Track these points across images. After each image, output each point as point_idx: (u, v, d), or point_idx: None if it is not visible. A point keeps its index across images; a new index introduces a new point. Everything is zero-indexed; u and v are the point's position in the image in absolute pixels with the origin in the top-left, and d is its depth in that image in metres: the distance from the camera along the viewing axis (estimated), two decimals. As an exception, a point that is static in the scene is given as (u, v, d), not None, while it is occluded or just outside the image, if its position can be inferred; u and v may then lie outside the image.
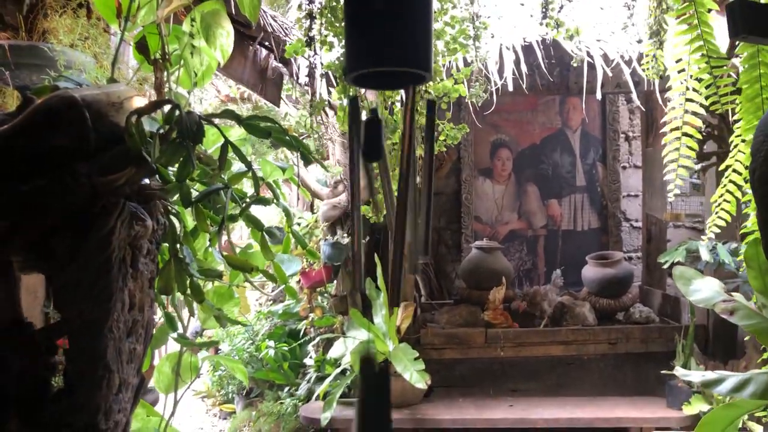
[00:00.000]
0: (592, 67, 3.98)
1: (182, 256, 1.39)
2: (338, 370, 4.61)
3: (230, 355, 5.56)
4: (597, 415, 4.40)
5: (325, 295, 5.03)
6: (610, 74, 3.95)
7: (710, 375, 2.14)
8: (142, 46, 1.52)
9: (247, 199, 1.49)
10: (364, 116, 1.09)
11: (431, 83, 1.86)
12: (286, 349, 5.14)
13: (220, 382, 5.77)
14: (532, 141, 6.01)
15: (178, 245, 1.40)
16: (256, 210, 1.55)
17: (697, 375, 2.24)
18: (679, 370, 2.46)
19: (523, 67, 3.89)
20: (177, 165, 1.28)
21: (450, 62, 1.95)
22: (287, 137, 1.37)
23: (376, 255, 4.63)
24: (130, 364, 1.33)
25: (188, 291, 1.41)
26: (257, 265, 1.49)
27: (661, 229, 5.42)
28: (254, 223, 1.46)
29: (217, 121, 1.32)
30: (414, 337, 4.79)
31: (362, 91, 1.90)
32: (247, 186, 1.58)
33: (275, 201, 1.54)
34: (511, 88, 3.85)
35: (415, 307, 4.93)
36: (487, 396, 4.78)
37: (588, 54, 3.87)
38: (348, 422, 4.52)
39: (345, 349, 4.66)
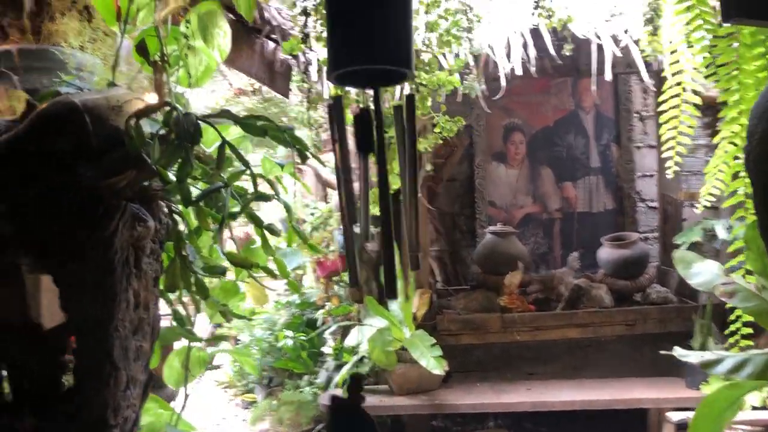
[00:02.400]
0: (602, 48, 3.95)
1: (186, 254, 1.42)
2: (356, 357, 4.66)
3: (250, 345, 5.63)
4: (615, 397, 4.40)
5: (341, 284, 5.06)
6: (620, 54, 3.92)
7: (709, 356, 2.14)
8: (141, 48, 1.55)
9: (248, 196, 1.51)
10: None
11: (425, 75, 1.87)
12: (304, 338, 5.19)
13: (241, 373, 5.85)
14: (546, 123, 5.97)
15: (182, 244, 1.43)
16: (271, 205, 1.58)
17: (695, 356, 2.24)
18: (677, 350, 2.46)
19: (532, 51, 3.87)
20: (176, 165, 1.31)
21: (447, 54, 1.95)
22: (283, 134, 1.39)
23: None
24: (138, 362, 1.37)
25: (193, 288, 1.44)
26: (258, 262, 1.52)
27: (677, 208, 5.38)
28: (254, 220, 1.48)
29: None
30: (430, 323, 4.82)
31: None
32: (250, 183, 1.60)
33: (276, 196, 1.56)
34: (520, 72, 3.84)
35: (431, 294, 4.96)
36: (505, 380, 4.80)
37: (596, 35, 3.84)
38: (367, 409, 4.57)
39: (361, 337, 4.70)
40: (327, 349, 5.07)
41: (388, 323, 4.52)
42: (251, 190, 1.55)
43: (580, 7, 3.57)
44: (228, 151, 1.53)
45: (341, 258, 4.86)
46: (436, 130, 2.28)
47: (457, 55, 2.01)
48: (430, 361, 4.35)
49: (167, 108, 1.32)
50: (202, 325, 7.68)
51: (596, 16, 3.87)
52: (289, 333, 5.27)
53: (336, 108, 1.19)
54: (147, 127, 1.37)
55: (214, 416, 5.88)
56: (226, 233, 1.42)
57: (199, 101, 5.86)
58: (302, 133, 4.59)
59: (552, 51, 3.84)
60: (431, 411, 4.58)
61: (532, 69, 3.74)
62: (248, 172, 1.55)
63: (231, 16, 3.57)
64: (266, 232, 1.52)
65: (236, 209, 1.47)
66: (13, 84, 2.12)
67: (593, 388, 4.56)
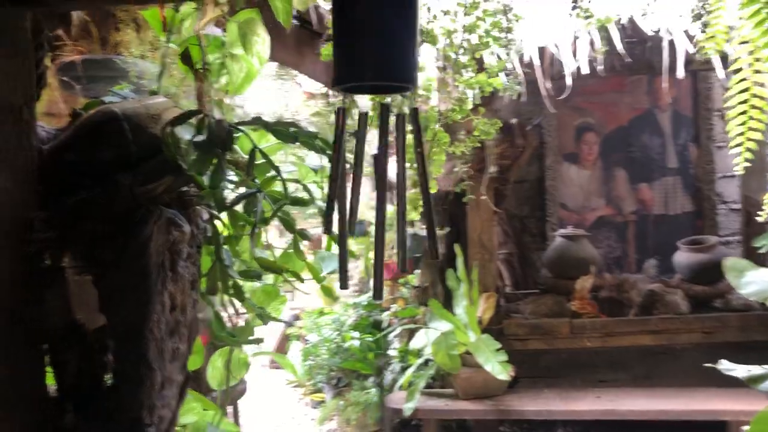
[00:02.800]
0: (674, 44, 3.80)
1: (223, 258, 1.44)
2: (420, 360, 4.64)
3: (319, 346, 5.70)
4: (692, 407, 4.21)
5: (408, 286, 5.06)
6: (693, 51, 3.75)
7: (756, 370, 2.01)
8: (185, 57, 1.59)
9: (282, 201, 1.53)
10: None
11: (462, 78, 1.84)
12: (370, 339, 5.21)
13: (310, 372, 5.93)
14: (620, 123, 5.79)
15: (220, 248, 1.46)
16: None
17: (742, 369, 2.11)
18: (723, 364, 2.32)
19: (600, 49, 3.76)
20: (209, 172, 1.33)
21: (486, 54, 1.91)
22: (314, 140, 1.40)
23: (456, 245, 4.62)
24: (174, 363, 1.40)
25: (231, 291, 1.47)
26: (288, 266, 1.53)
27: (762, 210, 5.10)
28: (286, 225, 1.50)
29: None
30: (497, 327, 4.75)
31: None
32: (290, 187, 1.61)
33: (312, 201, 1.57)
34: (586, 71, 3.73)
35: (497, 298, 4.88)
36: (573, 387, 4.67)
37: (668, 31, 3.69)
38: (431, 412, 4.54)
39: (427, 340, 4.68)
40: (393, 351, 5.07)
41: (452, 327, 4.48)
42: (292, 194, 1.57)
43: (650, 3, 3.44)
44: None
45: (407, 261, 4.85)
46: (475, 133, 2.24)
47: (505, 55, 1.97)
48: (495, 366, 4.29)
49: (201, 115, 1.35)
50: (275, 326, 7.81)
51: (668, 12, 3.72)
52: (356, 334, 5.31)
53: (339, 119, 1.19)
54: (186, 134, 1.40)
55: (283, 415, 5.99)
56: (262, 237, 1.44)
57: (267, 106, 5.98)
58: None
59: (621, 48, 3.71)
60: (496, 416, 4.51)
61: (599, 68, 3.63)
62: (303, 177, 1.59)
63: (296, 22, 3.62)
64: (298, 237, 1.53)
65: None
66: (76, 93, 2.22)
67: (667, 398, 4.37)
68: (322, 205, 1.61)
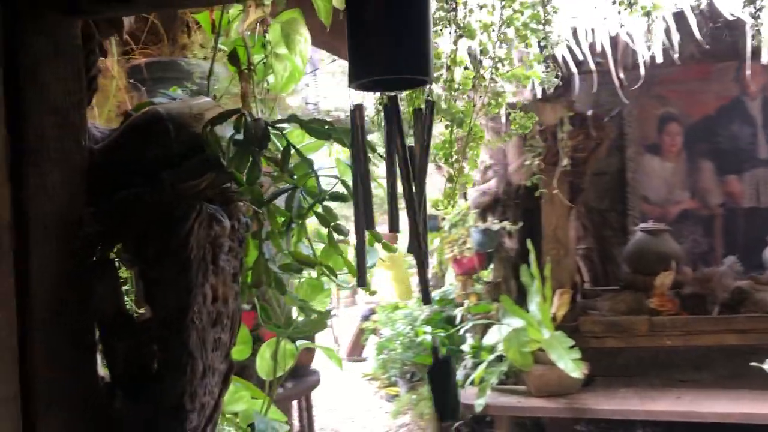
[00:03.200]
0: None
1: (263, 252, 1.49)
2: (492, 356, 4.60)
3: (392, 340, 5.74)
4: (779, 411, 4.00)
5: (481, 281, 5.02)
6: (777, 35, 3.54)
7: None
8: (233, 57, 1.65)
9: (327, 197, 1.56)
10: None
11: (499, 71, 1.81)
12: (443, 334, 5.21)
13: (384, 366, 5.98)
14: (705, 112, 5.54)
15: (262, 242, 1.50)
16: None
17: None
18: None
19: (675, 36, 3.61)
20: (246, 169, 1.38)
21: (523, 46, 1.86)
22: (348, 138, 1.42)
23: (529, 241, 4.55)
24: (216, 352, 1.46)
25: (272, 284, 1.51)
26: (327, 261, 1.55)
27: None
28: (322, 220, 1.52)
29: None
30: (572, 324, 4.65)
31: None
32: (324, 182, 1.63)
33: (351, 197, 1.59)
34: (660, 59, 3.59)
35: (573, 294, 4.78)
36: (652, 387, 4.51)
37: (751, 15, 3.50)
38: (503, 409, 4.50)
39: (500, 336, 4.63)
40: (466, 347, 5.05)
41: (524, 323, 4.42)
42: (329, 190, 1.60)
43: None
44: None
45: (478, 256, 4.81)
46: (513, 126, 2.20)
47: (544, 47, 1.92)
48: (568, 363, 4.20)
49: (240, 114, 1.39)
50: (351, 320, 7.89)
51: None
52: (428, 329, 5.31)
53: (356, 116, 1.20)
54: (228, 133, 1.45)
55: (358, 407, 6.07)
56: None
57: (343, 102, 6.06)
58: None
59: (698, 35, 3.55)
60: (570, 415, 4.42)
61: (675, 55, 3.48)
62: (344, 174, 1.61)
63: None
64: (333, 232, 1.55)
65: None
66: (142, 94, 2.32)
67: (755, 401, 4.16)
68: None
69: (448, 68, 1.70)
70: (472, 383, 4.70)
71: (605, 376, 4.65)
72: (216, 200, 1.47)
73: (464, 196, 5.40)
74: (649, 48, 3.50)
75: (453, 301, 5.29)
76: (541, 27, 1.68)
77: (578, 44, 3.60)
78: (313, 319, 4.82)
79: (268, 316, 1.64)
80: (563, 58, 3.54)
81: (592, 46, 3.67)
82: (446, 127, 1.78)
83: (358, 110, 1.14)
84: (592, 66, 3.60)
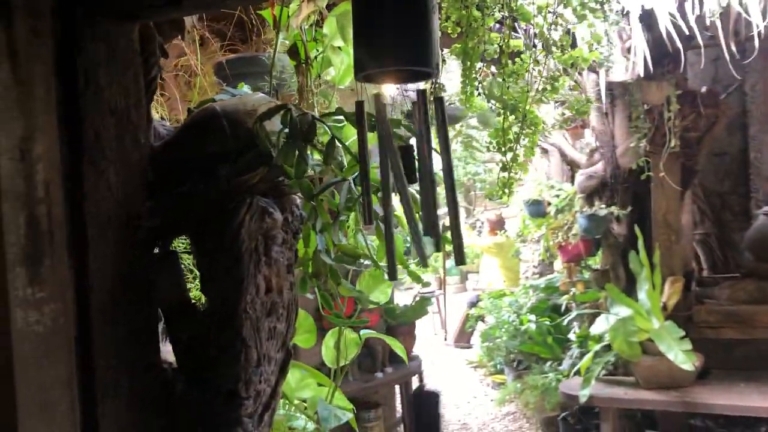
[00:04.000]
0: None
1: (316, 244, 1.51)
2: (599, 346, 4.44)
3: (497, 327, 5.67)
4: None
5: (588, 269, 4.86)
6: None
7: None
8: (293, 52, 1.67)
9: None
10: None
11: (558, 53, 1.69)
12: (548, 323, 5.08)
13: (489, 353, 5.92)
14: (841, 84, 5.04)
15: (315, 234, 1.52)
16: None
17: None
18: None
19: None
20: (293, 162, 1.40)
21: (581, 27, 1.73)
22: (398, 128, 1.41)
23: (636, 226, 4.34)
24: (271, 341, 1.50)
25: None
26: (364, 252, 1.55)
27: None
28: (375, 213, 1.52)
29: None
30: (686, 314, 4.40)
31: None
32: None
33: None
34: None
35: (686, 282, 4.52)
36: (776, 382, 4.19)
37: None
38: (609, 401, 4.34)
39: (607, 325, 4.46)
40: (573, 336, 4.91)
41: (632, 312, 4.23)
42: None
43: None
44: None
45: (584, 242, 4.65)
46: (571, 111, 2.07)
47: (614, 23, 1.80)
48: (678, 354, 3.98)
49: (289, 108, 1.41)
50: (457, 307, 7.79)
51: None
52: (532, 317, 5.20)
53: (359, 112, 1.19)
54: (278, 127, 1.48)
55: (465, 394, 6.04)
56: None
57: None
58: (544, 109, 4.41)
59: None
60: (682, 408, 4.19)
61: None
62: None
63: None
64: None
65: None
66: (224, 89, 2.41)
67: None
68: (412, 191, 1.62)
69: (501, 52, 1.64)
70: (577, 373, 4.57)
71: (722, 369, 4.37)
72: (270, 194, 1.50)
73: (571, 179, 5.22)
74: (765, 17, 3.23)
75: (559, 288, 5.15)
76: (599, 6, 1.58)
77: (684, 18, 3.38)
78: (412, 306, 4.85)
79: (329, 306, 1.66)
80: (668, 33, 3.33)
81: (700, 19, 3.43)
82: (499, 114, 1.71)
83: (359, 108, 1.13)
84: (700, 40, 3.36)
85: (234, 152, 1.48)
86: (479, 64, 1.67)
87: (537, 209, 5.25)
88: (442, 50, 1.82)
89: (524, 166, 1.80)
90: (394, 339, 1.89)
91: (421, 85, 1.35)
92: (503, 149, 1.70)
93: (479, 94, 1.70)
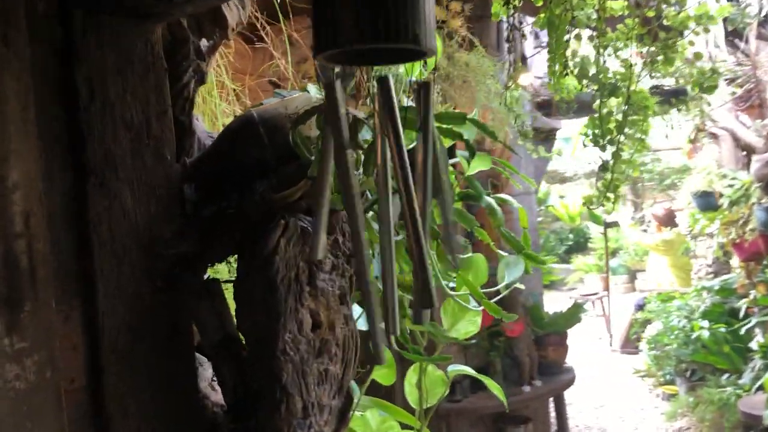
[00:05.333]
0: None
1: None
2: (786, 359, 3.80)
3: (666, 334, 5.08)
4: None
5: (770, 267, 4.18)
6: None
7: None
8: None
9: (455, 197, 1.27)
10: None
11: (671, 11, 1.28)
12: (723, 330, 4.45)
13: (658, 362, 5.32)
14: None
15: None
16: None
17: None
18: None
19: None
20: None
21: None
22: (461, 125, 1.13)
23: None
24: (322, 386, 1.26)
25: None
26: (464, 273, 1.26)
27: None
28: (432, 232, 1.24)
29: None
30: None
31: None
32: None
33: (480, 196, 1.28)
34: None
35: None
36: None
37: None
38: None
39: (797, 335, 3.81)
40: (754, 345, 4.26)
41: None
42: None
43: None
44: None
45: (763, 238, 4.00)
46: (692, 87, 1.60)
47: None
48: None
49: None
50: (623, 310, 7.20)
51: None
52: (705, 323, 4.58)
53: (383, 89, 0.91)
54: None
55: (632, 405, 5.48)
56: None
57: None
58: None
59: None
60: None
61: None
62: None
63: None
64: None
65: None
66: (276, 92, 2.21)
67: None
68: (490, 200, 1.32)
69: (598, 19, 1.27)
70: (761, 388, 3.95)
71: None
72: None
73: (746, 167, 4.53)
74: None
75: (735, 291, 4.49)
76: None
77: None
78: (564, 313, 4.42)
79: (404, 338, 1.41)
80: None
81: None
82: (593, 98, 1.34)
83: (383, 84, 0.87)
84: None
85: (274, 162, 1.27)
86: (568, 35, 1.32)
87: (707, 202, 4.63)
88: (523, 21, 1.51)
89: (633, 164, 1.42)
90: (487, 378, 1.58)
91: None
92: (601, 142, 1.34)
93: (567, 73, 1.35)
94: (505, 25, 2.04)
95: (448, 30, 2.73)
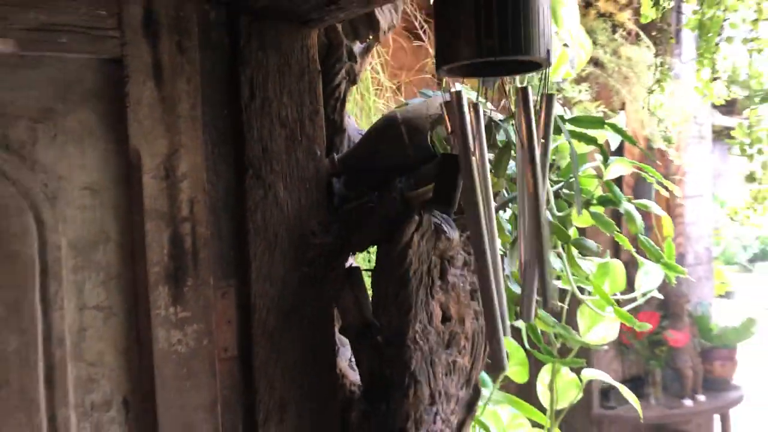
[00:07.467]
0: None
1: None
2: None
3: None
4: None
5: None
6: None
7: None
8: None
9: (594, 201, 1.25)
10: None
11: None
12: None
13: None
14: None
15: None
16: None
17: None
18: None
19: None
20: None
21: None
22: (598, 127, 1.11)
23: None
24: (450, 377, 1.31)
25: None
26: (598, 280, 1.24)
27: None
28: (559, 234, 1.22)
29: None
30: None
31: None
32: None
33: (618, 201, 1.24)
34: None
35: None
36: None
37: None
38: None
39: None
40: None
41: None
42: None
43: None
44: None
45: None
46: None
47: None
48: None
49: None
50: None
51: None
52: None
53: (458, 104, 0.92)
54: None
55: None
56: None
57: None
58: None
59: None
60: None
61: None
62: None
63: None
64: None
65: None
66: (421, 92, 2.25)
67: None
68: (629, 207, 1.29)
69: (754, 21, 1.18)
70: None
71: None
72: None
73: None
74: None
75: None
76: None
77: None
78: (735, 327, 4.17)
79: (536, 338, 1.41)
80: None
81: None
82: (743, 105, 1.24)
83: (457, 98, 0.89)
84: None
85: (413, 162, 1.34)
86: (719, 37, 1.24)
87: None
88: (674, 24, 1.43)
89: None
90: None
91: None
92: (748, 152, 1.25)
93: (715, 78, 1.27)
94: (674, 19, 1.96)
95: (613, 24, 2.65)
